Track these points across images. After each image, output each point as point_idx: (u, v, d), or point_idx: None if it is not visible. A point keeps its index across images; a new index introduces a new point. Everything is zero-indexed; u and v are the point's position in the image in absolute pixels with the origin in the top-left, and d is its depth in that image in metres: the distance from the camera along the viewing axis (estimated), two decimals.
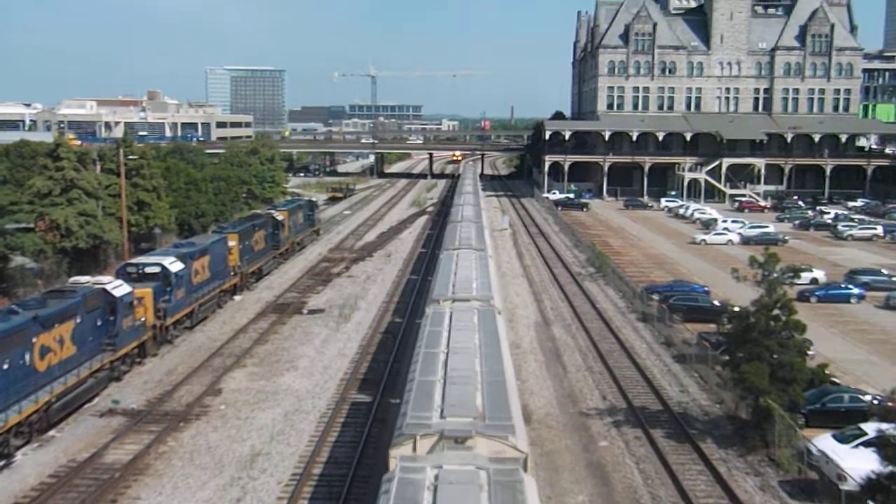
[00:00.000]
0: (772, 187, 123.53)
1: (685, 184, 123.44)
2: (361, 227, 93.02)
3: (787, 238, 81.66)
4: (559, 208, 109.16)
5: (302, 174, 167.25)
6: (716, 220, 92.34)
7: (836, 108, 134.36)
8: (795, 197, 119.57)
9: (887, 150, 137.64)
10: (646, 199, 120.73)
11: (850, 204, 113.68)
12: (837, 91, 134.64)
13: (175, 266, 43.42)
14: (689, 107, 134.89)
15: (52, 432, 31.24)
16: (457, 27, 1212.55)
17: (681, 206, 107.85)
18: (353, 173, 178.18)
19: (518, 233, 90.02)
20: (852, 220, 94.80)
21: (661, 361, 41.43)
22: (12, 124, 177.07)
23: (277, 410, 33.85)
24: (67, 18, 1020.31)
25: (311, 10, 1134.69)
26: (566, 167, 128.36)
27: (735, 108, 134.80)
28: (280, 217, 67.94)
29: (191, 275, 45.57)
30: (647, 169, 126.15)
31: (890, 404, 23.14)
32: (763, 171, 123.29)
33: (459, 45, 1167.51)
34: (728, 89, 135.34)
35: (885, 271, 61.52)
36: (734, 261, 56.52)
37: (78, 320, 33.46)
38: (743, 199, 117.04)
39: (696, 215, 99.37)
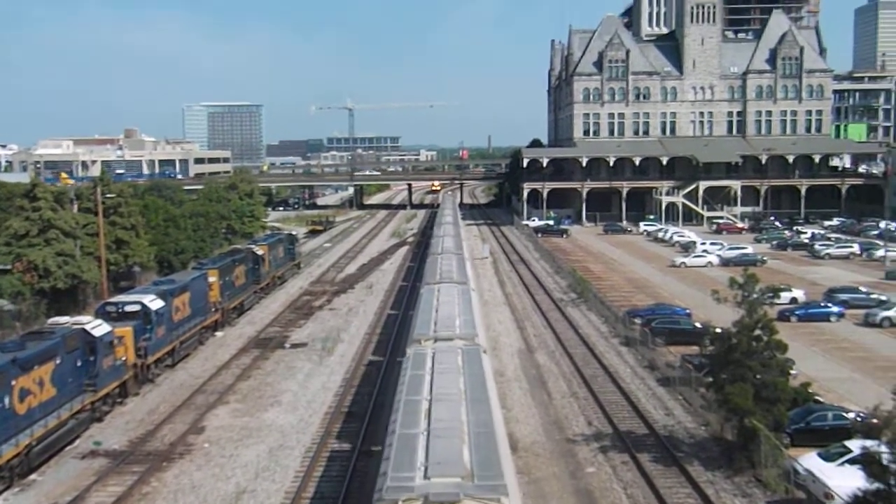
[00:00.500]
0: (748, 209, 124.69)
1: (663, 207, 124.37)
2: (342, 260, 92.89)
3: (765, 259, 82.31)
4: (539, 235, 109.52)
5: (281, 208, 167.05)
6: (695, 242, 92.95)
7: (808, 129, 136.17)
8: (772, 217, 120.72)
9: (860, 169, 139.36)
10: (625, 223, 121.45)
11: (826, 223, 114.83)
12: (809, 112, 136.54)
13: (155, 304, 43.13)
14: (664, 131, 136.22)
15: (33, 476, 30.78)
16: (432, 58, 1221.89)
17: (660, 230, 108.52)
18: (333, 206, 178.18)
19: (499, 260, 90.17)
20: (829, 239, 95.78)
21: (645, 385, 41.48)
22: None
23: (262, 447, 33.55)
24: (43, 58, 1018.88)
25: (288, 45, 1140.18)
26: (545, 194, 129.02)
27: (709, 132, 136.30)
28: (260, 252, 67.75)
29: (171, 312, 45.27)
30: (624, 194, 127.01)
31: (873, 421, 23.26)
32: (739, 192, 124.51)
33: (435, 75, 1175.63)
34: (702, 113, 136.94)
35: (863, 289, 62.09)
36: (714, 283, 56.87)
37: (58, 361, 33.10)
38: (720, 221, 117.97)
39: (675, 238, 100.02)
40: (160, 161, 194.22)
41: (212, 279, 53.99)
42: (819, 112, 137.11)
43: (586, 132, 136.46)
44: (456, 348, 27.71)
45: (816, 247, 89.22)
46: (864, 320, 54.76)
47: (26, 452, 30.34)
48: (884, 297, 59.56)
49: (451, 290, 40.38)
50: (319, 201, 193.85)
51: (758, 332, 30.58)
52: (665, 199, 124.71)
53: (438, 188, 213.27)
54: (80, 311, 53.41)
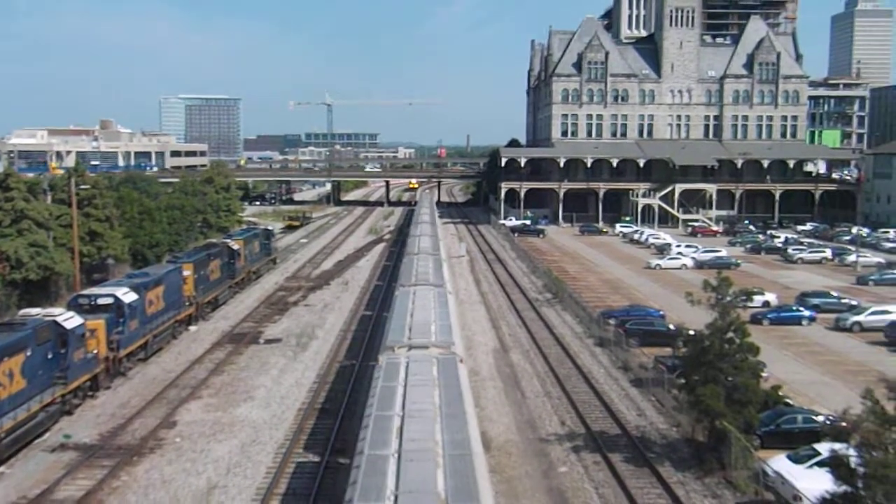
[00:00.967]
0: (723, 212, 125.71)
1: (639, 209, 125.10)
2: (318, 256, 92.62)
3: (739, 262, 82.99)
4: (516, 235, 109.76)
5: (258, 203, 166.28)
6: (670, 245, 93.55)
7: (783, 135, 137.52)
8: (747, 221, 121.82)
9: (834, 175, 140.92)
10: (601, 224, 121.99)
11: (800, 228, 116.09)
12: (785, 118, 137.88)
13: (128, 297, 42.82)
14: (641, 134, 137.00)
15: (1, 468, 30.47)
16: (413, 56, 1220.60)
17: (635, 232, 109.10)
18: (310, 201, 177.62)
19: (475, 259, 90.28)
20: (802, 243, 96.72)
21: (618, 386, 41.71)
22: None
23: (234, 442, 33.40)
24: (18, 47, 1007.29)
25: (266, 39, 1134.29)
26: (522, 194, 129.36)
27: (686, 135, 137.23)
28: (236, 246, 67.40)
29: (145, 305, 44.95)
30: (601, 195, 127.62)
31: (842, 424, 23.53)
32: (715, 196, 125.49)
33: (415, 73, 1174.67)
34: (679, 116, 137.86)
35: (834, 293, 62.74)
36: (688, 285, 57.29)
37: (28, 353, 32.77)
38: (696, 224, 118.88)
39: (651, 240, 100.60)
40: (136, 153, 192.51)
41: (186, 273, 53.70)
42: (794, 118, 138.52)
43: (564, 133, 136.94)
44: (431, 357, 26.40)
45: (789, 251, 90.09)
46: (835, 324, 55.36)
47: None
48: (854, 302, 60.33)
49: (427, 293, 38.88)
50: (296, 197, 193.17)
51: (730, 334, 30.83)
52: (641, 201, 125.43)
53: (416, 186, 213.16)
54: (52, 303, 52.91)
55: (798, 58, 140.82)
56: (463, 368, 26.45)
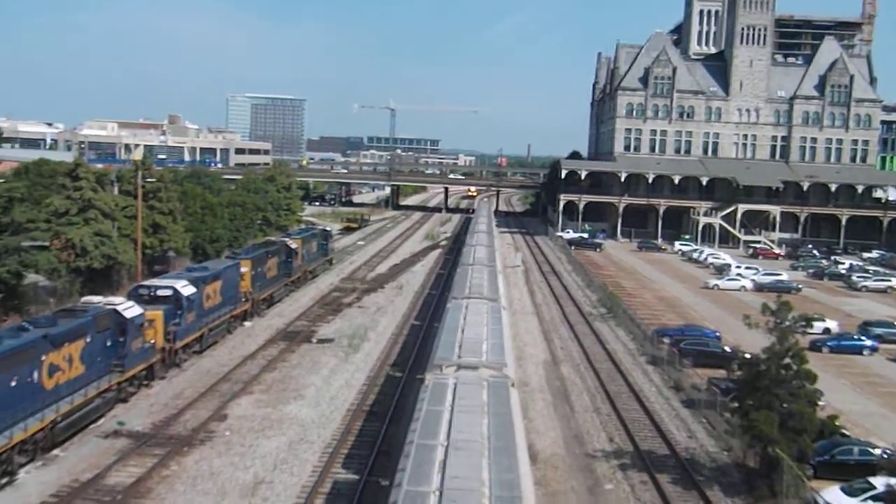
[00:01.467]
0: (787, 235, 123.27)
1: (700, 228, 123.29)
2: (374, 259, 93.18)
3: (800, 287, 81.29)
4: (572, 247, 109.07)
5: (318, 203, 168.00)
6: (729, 265, 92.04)
7: (853, 159, 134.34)
8: (810, 246, 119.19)
9: None
10: (660, 241, 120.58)
11: (865, 255, 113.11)
12: (855, 142, 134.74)
13: (187, 290, 43.55)
14: (706, 151, 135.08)
15: (56, 451, 31.19)
16: (477, 64, 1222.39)
17: (694, 251, 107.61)
18: (369, 204, 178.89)
19: (530, 270, 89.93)
20: (867, 271, 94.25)
21: (669, 405, 41.13)
22: (33, 143, 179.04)
23: (282, 439, 33.72)
24: (94, 41, 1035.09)
25: (333, 42, 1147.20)
26: (581, 207, 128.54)
27: (752, 155, 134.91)
28: (294, 245, 68.16)
29: (202, 299, 45.68)
30: (661, 212, 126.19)
31: None
32: (778, 218, 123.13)
33: (478, 81, 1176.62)
34: (746, 136, 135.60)
35: None
36: (746, 307, 56.25)
37: (88, 340, 33.53)
38: (757, 245, 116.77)
39: (710, 260, 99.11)
40: (201, 149, 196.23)
41: (244, 269, 54.43)
42: (865, 142, 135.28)
43: (627, 147, 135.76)
44: (481, 380, 24.81)
45: (854, 278, 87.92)
46: None
47: (51, 428, 30.75)
48: None
49: (480, 307, 37.35)
50: (355, 199, 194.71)
51: (788, 360, 30.21)
52: (702, 220, 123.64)
53: (475, 194, 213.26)
54: (113, 292, 54.04)
55: (872, 81, 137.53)
56: (515, 394, 24.83)
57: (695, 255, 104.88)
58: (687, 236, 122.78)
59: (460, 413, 21.39)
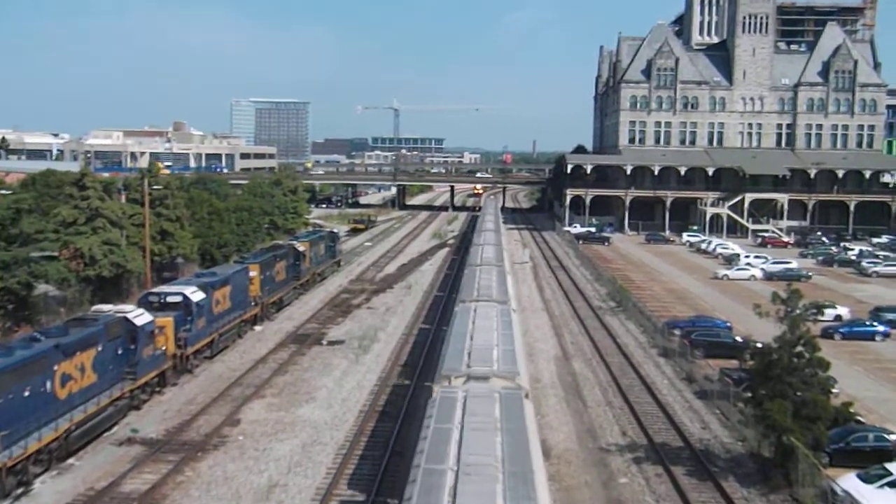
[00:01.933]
0: (795, 223, 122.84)
1: (707, 219, 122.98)
2: (382, 259, 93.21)
3: (810, 274, 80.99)
4: (580, 242, 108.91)
5: (324, 205, 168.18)
6: (738, 255, 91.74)
7: (859, 144, 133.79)
8: (819, 233, 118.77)
9: None
10: (667, 233, 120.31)
11: (875, 240, 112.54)
12: (861, 127, 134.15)
13: (196, 296, 43.63)
14: (711, 142, 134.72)
15: (71, 460, 31.29)
16: (479, 61, 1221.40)
17: (703, 241, 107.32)
18: (375, 205, 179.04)
19: (538, 266, 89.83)
20: (877, 256, 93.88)
21: (682, 397, 41.03)
22: (40, 154, 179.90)
23: (295, 442, 33.76)
24: (98, 50, 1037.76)
25: (335, 44, 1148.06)
26: (588, 201, 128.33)
27: (758, 144, 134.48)
28: (301, 248, 68.24)
29: (212, 304, 45.76)
30: (668, 203, 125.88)
31: None
32: (786, 206, 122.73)
33: (481, 78, 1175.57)
34: (751, 124, 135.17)
35: None
36: (757, 296, 56.05)
37: (99, 349, 33.64)
38: (766, 234, 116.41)
39: (719, 250, 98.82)
40: (207, 155, 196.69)
41: (253, 273, 54.52)
42: (871, 127, 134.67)
43: (632, 140, 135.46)
44: (493, 392, 23.14)
45: (864, 264, 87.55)
46: None
47: (65, 437, 30.84)
48: None
49: (490, 310, 35.68)
50: (362, 200, 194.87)
51: (800, 348, 30.09)
52: (710, 210, 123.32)
53: (481, 191, 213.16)
54: (123, 300, 54.19)
55: (876, 66, 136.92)
56: (530, 406, 23.25)
57: (703, 246, 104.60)
58: (695, 227, 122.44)
59: (471, 431, 19.75)
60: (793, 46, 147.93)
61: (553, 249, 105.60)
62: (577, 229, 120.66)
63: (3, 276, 48.42)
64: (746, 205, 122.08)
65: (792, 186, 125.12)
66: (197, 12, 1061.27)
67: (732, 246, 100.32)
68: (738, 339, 47.39)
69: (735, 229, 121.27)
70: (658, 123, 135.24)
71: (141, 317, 37.67)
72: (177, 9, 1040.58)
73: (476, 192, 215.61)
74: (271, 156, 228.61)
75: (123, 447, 33.03)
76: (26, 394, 28.48)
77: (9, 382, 27.73)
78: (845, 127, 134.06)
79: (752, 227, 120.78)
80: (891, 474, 26.68)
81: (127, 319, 36.56)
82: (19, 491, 28.19)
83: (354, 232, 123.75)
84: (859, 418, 34.78)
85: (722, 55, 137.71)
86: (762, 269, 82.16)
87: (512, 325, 33.32)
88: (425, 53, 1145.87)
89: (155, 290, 46.03)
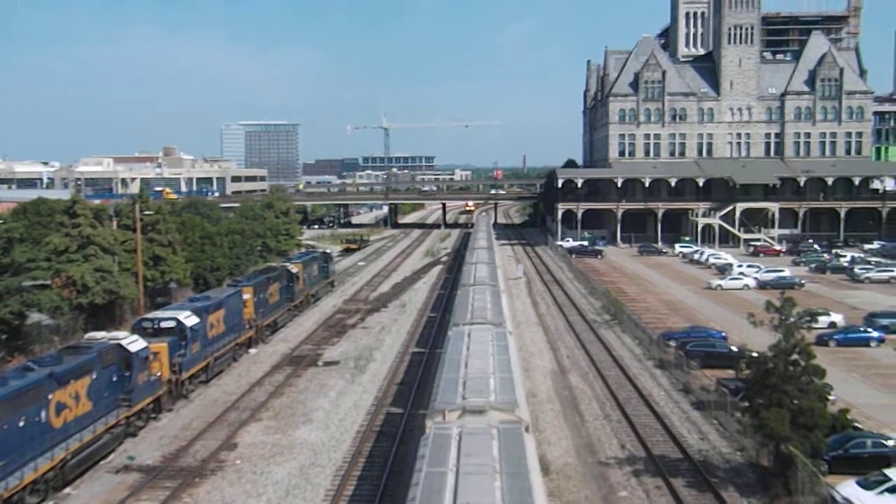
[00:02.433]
0: (786, 231, 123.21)
1: (699, 229, 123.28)
2: (376, 278, 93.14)
3: (803, 282, 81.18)
4: (573, 256, 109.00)
5: (316, 226, 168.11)
6: (731, 265, 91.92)
7: (848, 151, 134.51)
8: (811, 240, 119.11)
9: None
10: (660, 245, 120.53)
11: (867, 246, 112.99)
12: (849, 134, 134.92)
13: (190, 320, 43.53)
14: (700, 152, 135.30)
15: (67, 489, 31.08)
16: (468, 79, 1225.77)
17: (695, 252, 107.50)
18: (368, 224, 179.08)
19: (532, 281, 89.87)
20: (869, 262, 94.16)
21: (679, 409, 40.99)
22: (30, 182, 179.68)
23: (293, 464, 33.60)
24: (86, 77, 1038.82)
25: (324, 65, 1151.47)
26: (579, 214, 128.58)
27: (747, 153, 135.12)
28: (295, 270, 68.15)
29: (206, 329, 45.65)
30: (660, 215, 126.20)
31: None
32: (777, 215, 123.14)
33: (470, 95, 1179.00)
34: (739, 134, 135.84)
35: None
36: (750, 306, 56.14)
37: (94, 376, 33.49)
38: (758, 243, 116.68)
39: (711, 260, 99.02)
40: (198, 179, 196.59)
41: (246, 296, 54.43)
42: (859, 134, 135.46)
43: (622, 153, 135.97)
44: (490, 428, 21.27)
45: (856, 270, 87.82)
46: None
47: (61, 466, 30.67)
48: None
49: (485, 334, 33.86)
50: (354, 220, 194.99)
51: (795, 356, 30.12)
52: (701, 221, 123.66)
53: (472, 208, 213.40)
54: (116, 327, 54.06)
55: (862, 73, 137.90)
56: (531, 442, 21.46)
57: (696, 257, 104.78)
58: (687, 238, 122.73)
59: (467, 476, 18.04)
60: (778, 56, 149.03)
61: (546, 264, 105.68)
62: (570, 243, 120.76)
63: None
64: (738, 214, 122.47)
65: (782, 195, 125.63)
66: (184, 38, 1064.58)
67: (725, 256, 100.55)
68: (734, 348, 47.44)
69: (727, 239, 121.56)
70: (647, 136, 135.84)
71: (135, 343, 37.55)
72: (164, 35, 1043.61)
73: (468, 208, 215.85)
74: (262, 178, 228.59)
75: (120, 475, 32.83)
76: (21, 424, 28.33)
77: (3, 413, 27.59)
78: (833, 134, 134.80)
79: (743, 236, 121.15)
80: (890, 480, 26.67)
81: (121, 346, 36.43)
82: None
83: (347, 252, 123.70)
84: (857, 425, 34.79)
85: (708, 66, 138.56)
86: (755, 278, 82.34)
87: (508, 350, 31.53)
88: (414, 72, 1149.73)
89: (148, 315, 45.92)
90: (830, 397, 34.05)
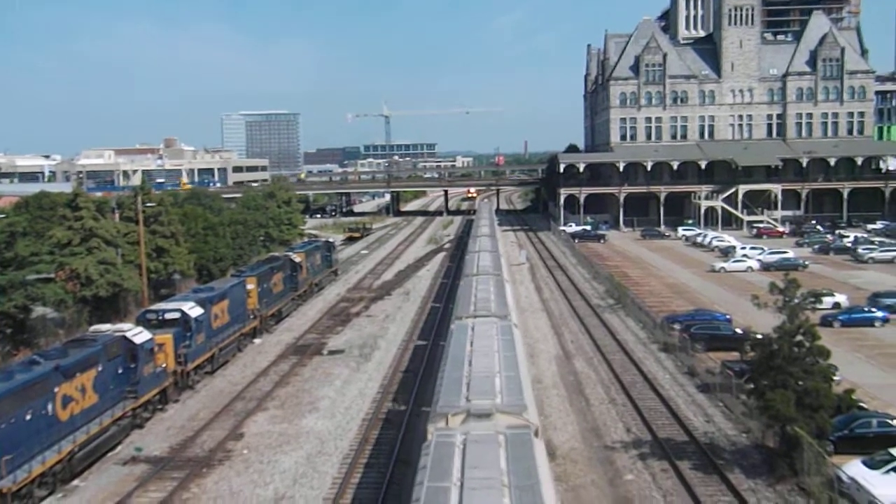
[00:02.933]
0: (789, 212, 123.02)
1: (702, 212, 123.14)
2: (379, 266, 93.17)
3: (807, 263, 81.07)
4: (576, 240, 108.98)
5: (319, 215, 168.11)
6: (734, 247, 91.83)
7: (850, 132, 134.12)
8: (814, 221, 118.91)
9: None
10: (663, 228, 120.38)
11: (870, 226, 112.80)
12: (851, 114, 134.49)
13: (195, 311, 43.57)
14: (702, 135, 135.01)
15: (75, 482, 31.20)
16: (468, 64, 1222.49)
17: (698, 235, 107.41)
18: (370, 213, 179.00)
19: (536, 266, 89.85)
20: (872, 242, 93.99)
21: (684, 392, 41.03)
22: (32, 176, 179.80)
23: (300, 453, 33.70)
24: (87, 70, 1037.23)
25: (324, 54, 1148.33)
26: (582, 199, 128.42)
27: (749, 135, 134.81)
28: (298, 259, 68.17)
29: (210, 319, 45.70)
30: (662, 198, 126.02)
31: None
32: (780, 196, 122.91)
33: (471, 81, 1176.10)
34: (741, 116, 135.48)
35: None
36: (754, 288, 56.12)
37: (99, 369, 33.56)
38: (761, 225, 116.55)
39: (715, 243, 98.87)
40: (199, 170, 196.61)
41: (250, 286, 54.45)
42: (861, 114, 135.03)
43: (623, 137, 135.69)
44: (497, 435, 19.51)
45: (860, 251, 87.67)
46: None
47: (69, 459, 30.78)
48: None
49: (489, 329, 31.97)
50: (356, 208, 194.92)
51: (799, 337, 30.09)
52: (704, 204, 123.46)
53: (475, 195, 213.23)
54: (121, 319, 54.17)
55: (863, 53, 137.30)
56: (541, 448, 19.75)
57: (699, 240, 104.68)
58: (690, 221, 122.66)
59: (472, 492, 16.52)
60: (779, 36, 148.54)
61: (549, 249, 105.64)
62: (573, 228, 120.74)
63: (0, 300, 48.35)
64: (740, 196, 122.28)
65: (785, 176, 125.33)
66: (183, 29, 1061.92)
67: (728, 238, 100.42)
68: (738, 330, 47.42)
69: (730, 221, 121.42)
70: (648, 119, 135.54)
71: (140, 335, 37.60)
72: (164, 27, 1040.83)
73: (470, 195, 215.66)
74: (264, 168, 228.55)
75: (128, 466, 32.94)
76: (28, 417, 28.42)
77: (10, 407, 27.67)
78: (835, 115, 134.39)
79: (746, 218, 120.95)
80: None
81: (126, 338, 36.49)
82: None
83: (350, 240, 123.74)
84: (862, 405, 34.80)
85: (709, 48, 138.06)
86: (758, 259, 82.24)
87: (514, 346, 29.55)
88: (414, 59, 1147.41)
89: (153, 307, 45.98)
90: (835, 378, 34.10)
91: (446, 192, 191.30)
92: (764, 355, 30.90)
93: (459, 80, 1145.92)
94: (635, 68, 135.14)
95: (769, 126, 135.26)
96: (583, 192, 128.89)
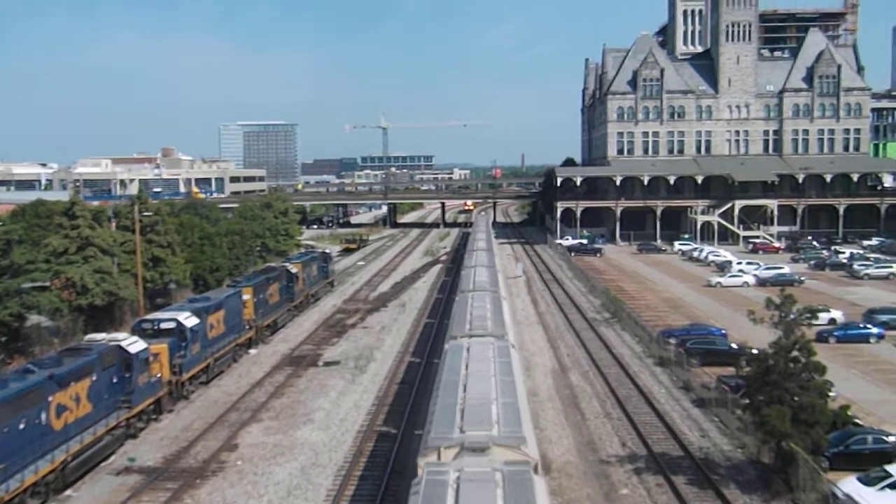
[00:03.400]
0: (785, 228, 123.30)
1: (698, 227, 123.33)
2: (376, 278, 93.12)
3: (802, 279, 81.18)
4: (572, 254, 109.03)
5: (315, 226, 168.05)
6: (730, 262, 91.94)
7: (846, 148, 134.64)
8: (810, 237, 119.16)
9: None
10: (659, 242, 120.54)
11: (865, 243, 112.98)
12: (847, 131, 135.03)
13: (190, 321, 43.49)
14: (699, 150, 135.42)
15: (68, 492, 31.04)
16: (466, 77, 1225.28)
17: (694, 249, 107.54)
18: (367, 224, 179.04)
19: (532, 279, 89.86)
20: (868, 259, 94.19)
21: (680, 406, 40.99)
22: (29, 184, 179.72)
23: (294, 465, 33.58)
24: (84, 79, 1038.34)
25: (323, 65, 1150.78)
26: (578, 213, 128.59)
27: (745, 150, 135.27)
28: (294, 270, 68.12)
29: (206, 329, 45.61)
30: (659, 213, 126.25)
31: None
32: (776, 212, 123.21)
33: (468, 94, 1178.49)
34: (738, 132, 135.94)
35: None
36: (750, 303, 56.14)
37: (94, 378, 33.45)
38: (757, 240, 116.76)
39: (711, 258, 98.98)
40: (196, 179, 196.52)
41: (246, 297, 54.39)
42: (857, 130, 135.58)
43: (620, 151, 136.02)
44: (493, 473, 17.52)
45: (855, 267, 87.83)
46: None
47: (62, 468, 30.63)
48: None
49: (485, 349, 29.70)
50: (353, 219, 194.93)
51: (795, 353, 30.12)
52: (700, 218, 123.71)
53: (471, 207, 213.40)
54: (116, 328, 54.03)
55: (860, 70, 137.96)
56: (542, 487, 17.91)
57: (695, 254, 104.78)
58: (686, 236, 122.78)
59: None
60: (776, 53, 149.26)
61: (546, 262, 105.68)
62: (569, 241, 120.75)
63: None
64: (736, 211, 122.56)
65: (781, 192, 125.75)
66: (181, 40, 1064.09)
67: (724, 253, 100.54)
68: (734, 345, 47.46)
69: (726, 236, 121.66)
70: (646, 133, 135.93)
71: (135, 344, 37.51)
72: (161, 37, 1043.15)
73: (466, 207, 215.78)
74: (261, 178, 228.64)
75: (121, 476, 32.80)
76: (21, 426, 28.30)
77: (3, 415, 27.55)
78: (831, 131, 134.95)
79: (742, 233, 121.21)
80: (891, 476, 26.69)
81: (121, 347, 36.39)
82: None
83: (347, 252, 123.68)
84: (857, 421, 34.82)
85: (706, 64, 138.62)
86: (754, 275, 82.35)
87: (512, 369, 27.44)
88: (412, 71, 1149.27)
89: (148, 316, 45.89)
90: (831, 394, 34.08)
91: (443, 204, 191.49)
92: (760, 371, 30.92)
93: (457, 92, 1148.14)
94: (633, 83, 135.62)
95: (766, 142, 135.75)
96: (579, 206, 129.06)
